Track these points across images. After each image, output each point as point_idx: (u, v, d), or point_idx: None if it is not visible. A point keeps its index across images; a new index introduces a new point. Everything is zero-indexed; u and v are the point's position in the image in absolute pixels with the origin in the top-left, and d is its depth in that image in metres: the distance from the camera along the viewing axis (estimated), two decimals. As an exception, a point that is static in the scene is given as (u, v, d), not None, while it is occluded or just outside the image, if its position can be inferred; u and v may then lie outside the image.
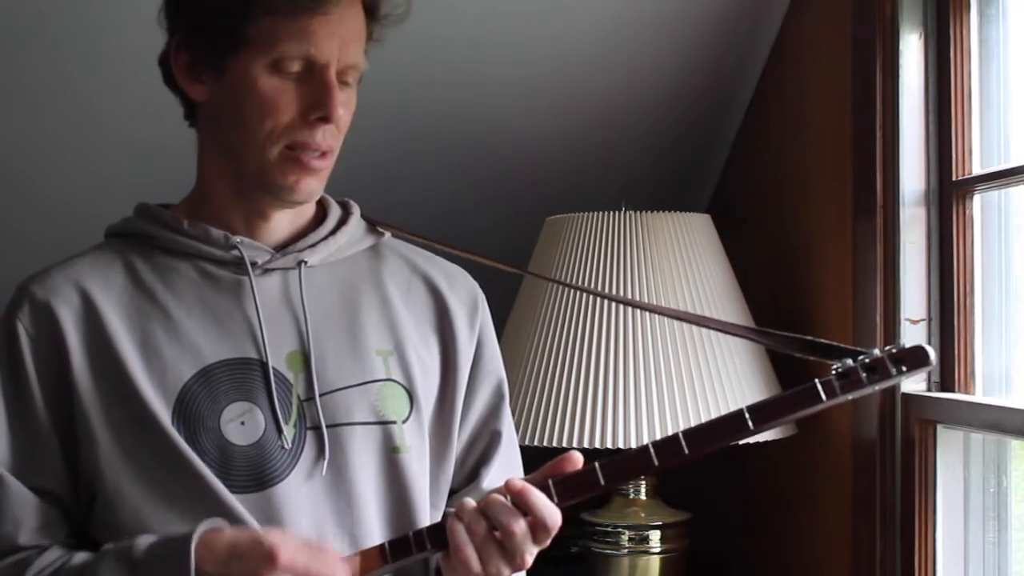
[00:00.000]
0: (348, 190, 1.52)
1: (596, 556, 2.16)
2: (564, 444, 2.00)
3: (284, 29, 1.29)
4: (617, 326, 2.05)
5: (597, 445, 1.99)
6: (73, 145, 2.25)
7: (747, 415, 1.23)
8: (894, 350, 1.21)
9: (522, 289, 2.25)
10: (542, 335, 2.10)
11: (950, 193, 1.89)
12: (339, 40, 1.32)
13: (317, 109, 1.31)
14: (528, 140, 2.44)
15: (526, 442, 2.03)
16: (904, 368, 1.21)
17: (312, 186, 1.35)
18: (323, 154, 1.34)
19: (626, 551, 2.14)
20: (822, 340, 1.30)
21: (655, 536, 2.14)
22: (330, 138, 1.34)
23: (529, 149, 2.46)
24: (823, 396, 1.22)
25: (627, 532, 2.14)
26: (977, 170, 1.87)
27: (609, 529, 2.15)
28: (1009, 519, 1.83)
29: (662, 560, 2.15)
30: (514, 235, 2.38)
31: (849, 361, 1.22)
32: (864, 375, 1.21)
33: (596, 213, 2.13)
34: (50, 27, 2.04)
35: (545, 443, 2.02)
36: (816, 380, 1.22)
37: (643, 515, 2.16)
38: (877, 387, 1.22)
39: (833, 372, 1.22)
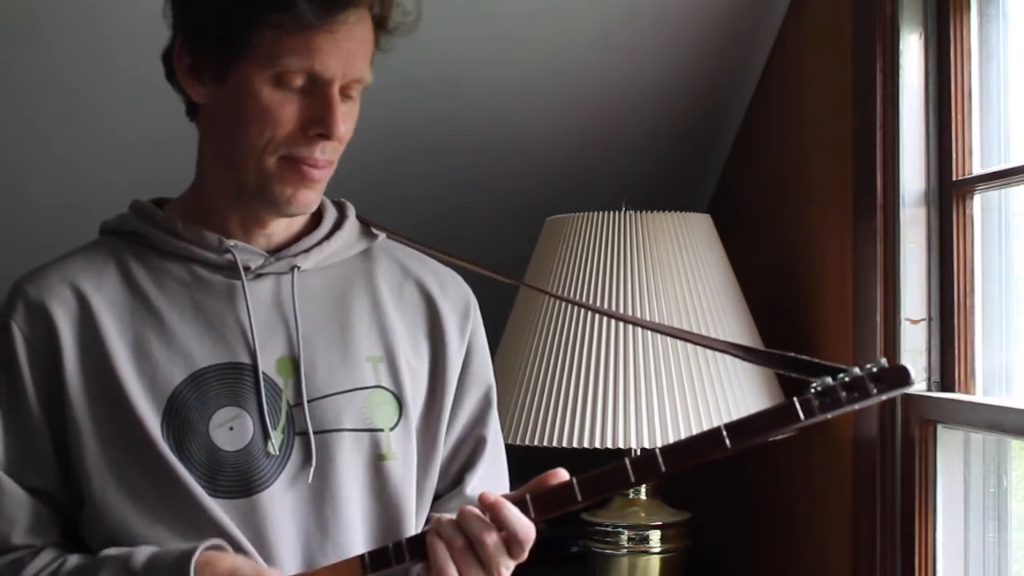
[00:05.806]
0: (348, 191, 1.52)
1: (596, 556, 2.16)
2: (563, 444, 2.00)
3: (288, 43, 1.25)
4: (616, 327, 2.05)
5: (597, 445, 1.98)
6: (68, 145, 2.25)
7: (724, 433, 1.21)
8: (874, 369, 1.19)
9: (522, 289, 2.24)
10: (541, 335, 2.10)
11: (950, 193, 1.89)
12: (344, 56, 1.28)
13: (318, 125, 1.28)
14: (528, 140, 2.44)
15: (525, 442, 2.03)
16: (884, 387, 1.18)
17: (309, 198, 1.33)
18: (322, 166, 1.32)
19: (626, 551, 2.14)
20: (802, 357, 1.27)
21: (655, 536, 2.14)
22: (329, 152, 1.32)
23: (529, 149, 2.46)
24: (801, 415, 1.19)
25: (627, 532, 2.14)
26: (977, 170, 1.87)
27: (609, 529, 2.14)
28: (1009, 519, 1.83)
29: (662, 560, 2.15)
30: (514, 235, 2.38)
31: (829, 379, 1.20)
32: (843, 394, 1.19)
33: (596, 213, 2.12)
34: (45, 27, 2.04)
35: (544, 443, 2.02)
36: (795, 398, 1.20)
37: (643, 515, 2.16)
38: (857, 406, 1.19)
39: (812, 390, 1.20)
